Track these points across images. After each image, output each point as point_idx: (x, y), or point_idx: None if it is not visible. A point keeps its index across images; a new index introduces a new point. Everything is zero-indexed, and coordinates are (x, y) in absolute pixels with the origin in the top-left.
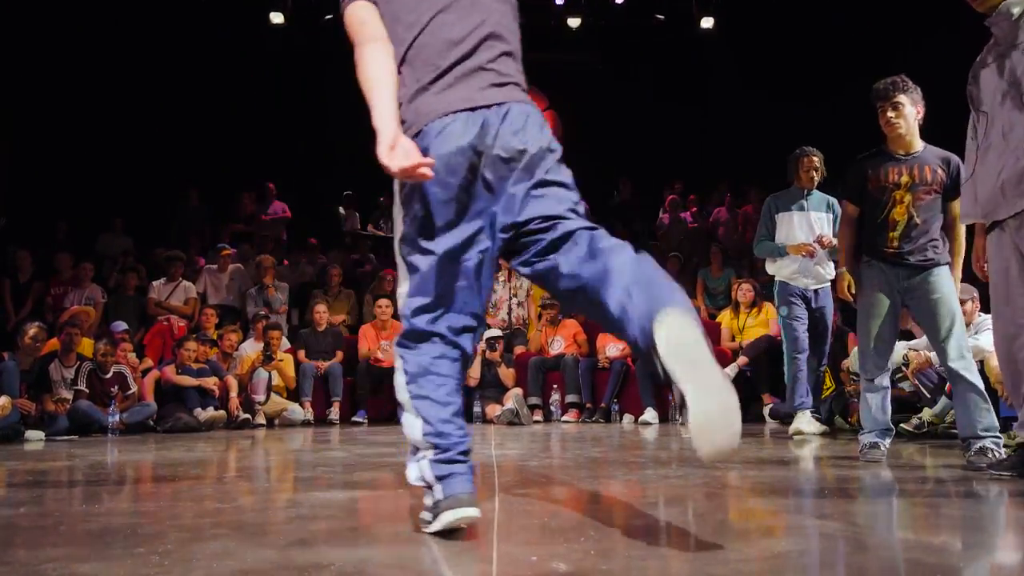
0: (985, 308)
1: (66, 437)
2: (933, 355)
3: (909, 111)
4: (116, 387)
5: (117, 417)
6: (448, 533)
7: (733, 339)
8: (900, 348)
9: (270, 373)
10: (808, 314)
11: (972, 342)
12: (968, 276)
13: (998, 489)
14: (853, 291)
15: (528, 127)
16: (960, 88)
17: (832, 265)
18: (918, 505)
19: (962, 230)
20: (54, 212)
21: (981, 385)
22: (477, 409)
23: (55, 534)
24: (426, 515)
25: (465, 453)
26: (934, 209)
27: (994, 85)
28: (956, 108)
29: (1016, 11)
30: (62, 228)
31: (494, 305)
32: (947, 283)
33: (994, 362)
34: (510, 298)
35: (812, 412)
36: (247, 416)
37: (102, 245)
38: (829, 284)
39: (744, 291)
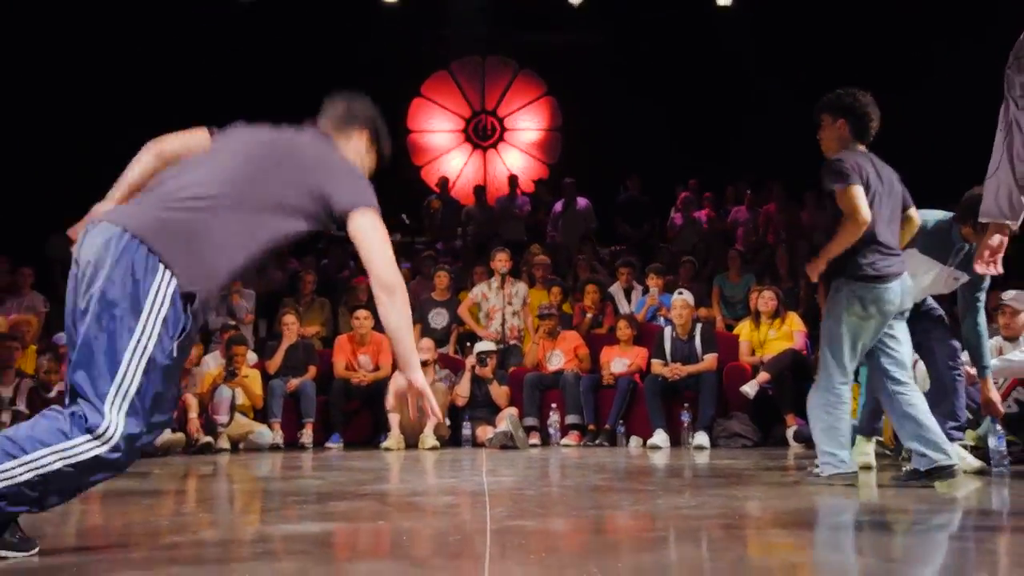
0: None
1: None
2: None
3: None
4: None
5: None
6: (435, 570)
7: (753, 353)
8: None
9: (234, 391)
10: None
11: (1019, 356)
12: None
13: None
14: None
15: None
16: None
17: None
18: (959, 540)
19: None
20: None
21: None
22: (467, 432)
23: None
24: None
25: None
26: None
27: None
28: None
29: None
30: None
31: (486, 315)
32: None
33: None
34: (504, 307)
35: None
36: (208, 439)
37: (53, 248)
38: None
39: (765, 300)
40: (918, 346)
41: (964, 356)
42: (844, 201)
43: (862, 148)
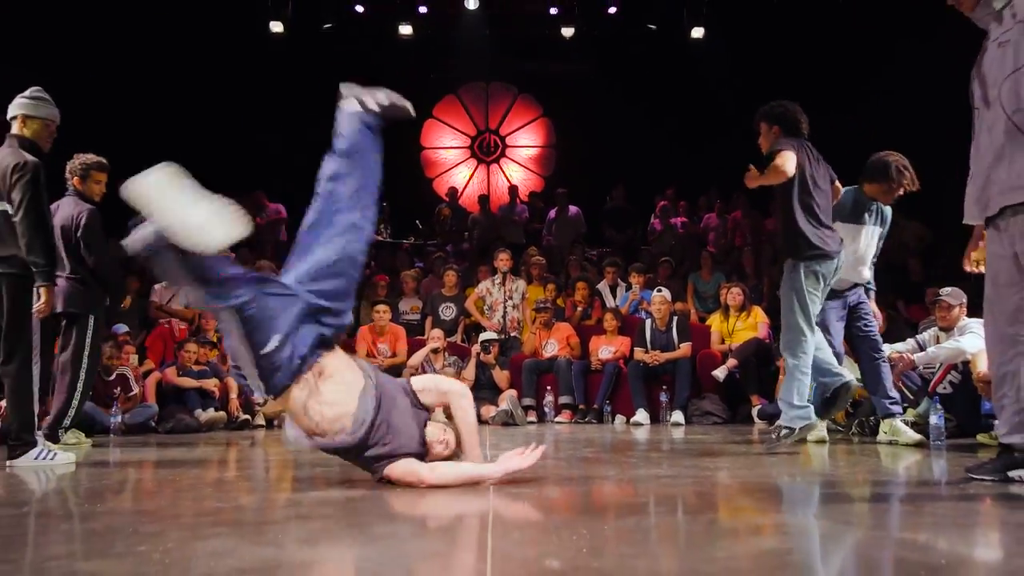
0: (972, 312)
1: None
2: (917, 356)
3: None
4: (118, 389)
5: (119, 418)
6: (444, 530)
7: (723, 342)
8: (884, 350)
9: None
10: None
11: (953, 344)
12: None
13: (988, 490)
14: None
15: None
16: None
17: None
18: (905, 504)
19: None
20: None
21: None
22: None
23: (58, 532)
24: None
25: None
26: None
27: (979, 81)
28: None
29: (998, 4)
30: None
31: (489, 307)
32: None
33: (979, 363)
34: (505, 301)
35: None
36: (247, 417)
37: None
38: None
39: (733, 295)
40: (849, 339)
41: (904, 346)
42: (779, 159)
43: None
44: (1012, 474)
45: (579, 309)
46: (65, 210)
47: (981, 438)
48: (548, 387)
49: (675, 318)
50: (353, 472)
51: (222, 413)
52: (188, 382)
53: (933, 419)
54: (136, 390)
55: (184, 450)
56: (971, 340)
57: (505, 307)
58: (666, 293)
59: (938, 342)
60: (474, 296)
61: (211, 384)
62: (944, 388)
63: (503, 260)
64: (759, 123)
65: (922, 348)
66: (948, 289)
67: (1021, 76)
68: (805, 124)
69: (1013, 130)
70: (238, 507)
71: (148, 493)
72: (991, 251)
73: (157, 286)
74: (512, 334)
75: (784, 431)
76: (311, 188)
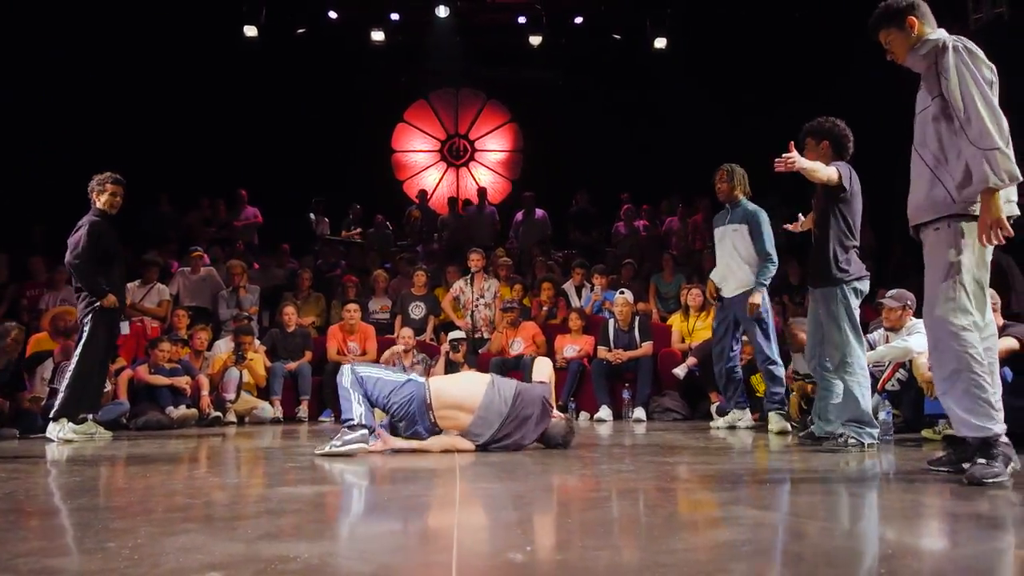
0: (918, 313)
1: (41, 435)
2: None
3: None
4: None
5: (91, 415)
6: (411, 525)
7: (683, 341)
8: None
9: (241, 372)
10: None
11: (901, 343)
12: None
13: (937, 483)
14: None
15: None
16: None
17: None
18: (856, 497)
19: None
20: (31, 216)
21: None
22: None
23: (26, 529)
24: None
25: None
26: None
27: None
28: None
29: (922, 51)
30: (38, 232)
31: (463, 306)
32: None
33: (921, 361)
34: (475, 300)
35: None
36: (218, 414)
37: None
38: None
39: (694, 296)
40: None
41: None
42: (831, 169)
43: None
44: (965, 465)
45: (544, 309)
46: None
47: (926, 433)
48: None
49: (637, 318)
50: (323, 470)
51: (194, 410)
52: (160, 379)
53: (882, 415)
54: (108, 387)
55: (155, 446)
56: (918, 340)
57: (475, 306)
58: (628, 295)
59: (887, 342)
60: (449, 296)
61: (183, 381)
62: (892, 386)
63: (475, 260)
64: (806, 138)
65: (872, 347)
66: (893, 291)
67: (925, 117)
68: (851, 144)
69: (916, 159)
70: (208, 503)
71: (118, 489)
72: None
73: (130, 284)
74: (484, 334)
75: (852, 441)
76: (285, 191)
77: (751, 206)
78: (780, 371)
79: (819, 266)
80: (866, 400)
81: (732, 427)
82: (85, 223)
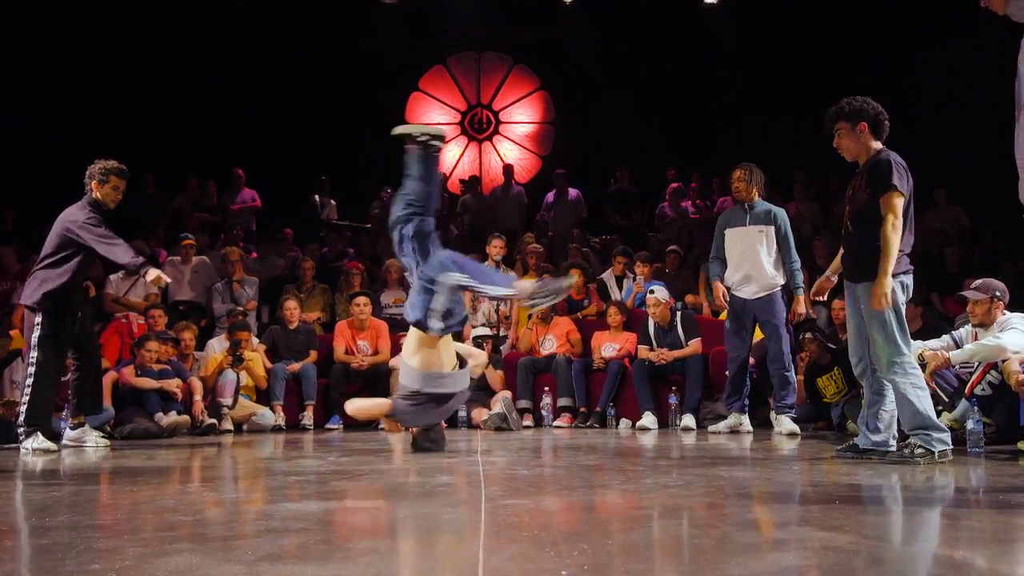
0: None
1: (15, 445)
2: (952, 354)
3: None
4: (69, 391)
5: (71, 423)
6: (430, 546)
7: None
8: (915, 348)
9: (238, 374)
10: None
11: (992, 341)
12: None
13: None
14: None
15: None
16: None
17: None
18: (940, 517)
19: None
20: (1, 201)
21: None
22: (463, 414)
23: (3, 550)
24: None
25: None
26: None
27: (1020, 77)
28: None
29: None
30: (10, 218)
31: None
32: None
33: (1013, 365)
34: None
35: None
36: (213, 421)
37: None
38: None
39: None
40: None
41: (938, 343)
42: (890, 205)
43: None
44: None
45: (585, 301)
46: None
47: (1022, 445)
48: (546, 388)
49: (678, 314)
50: (331, 483)
51: (185, 417)
52: (148, 383)
53: (970, 424)
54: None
55: (143, 458)
56: (1012, 337)
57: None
58: (660, 292)
59: (976, 339)
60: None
61: (173, 385)
62: (982, 390)
63: (497, 247)
64: (837, 123)
65: (959, 346)
66: (978, 282)
67: None
68: (887, 122)
69: None
70: (202, 521)
71: (103, 506)
72: None
73: (112, 276)
74: (501, 331)
75: (920, 450)
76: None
77: (771, 206)
78: (792, 377)
79: (861, 259)
80: (923, 402)
81: (734, 431)
82: (79, 219)
